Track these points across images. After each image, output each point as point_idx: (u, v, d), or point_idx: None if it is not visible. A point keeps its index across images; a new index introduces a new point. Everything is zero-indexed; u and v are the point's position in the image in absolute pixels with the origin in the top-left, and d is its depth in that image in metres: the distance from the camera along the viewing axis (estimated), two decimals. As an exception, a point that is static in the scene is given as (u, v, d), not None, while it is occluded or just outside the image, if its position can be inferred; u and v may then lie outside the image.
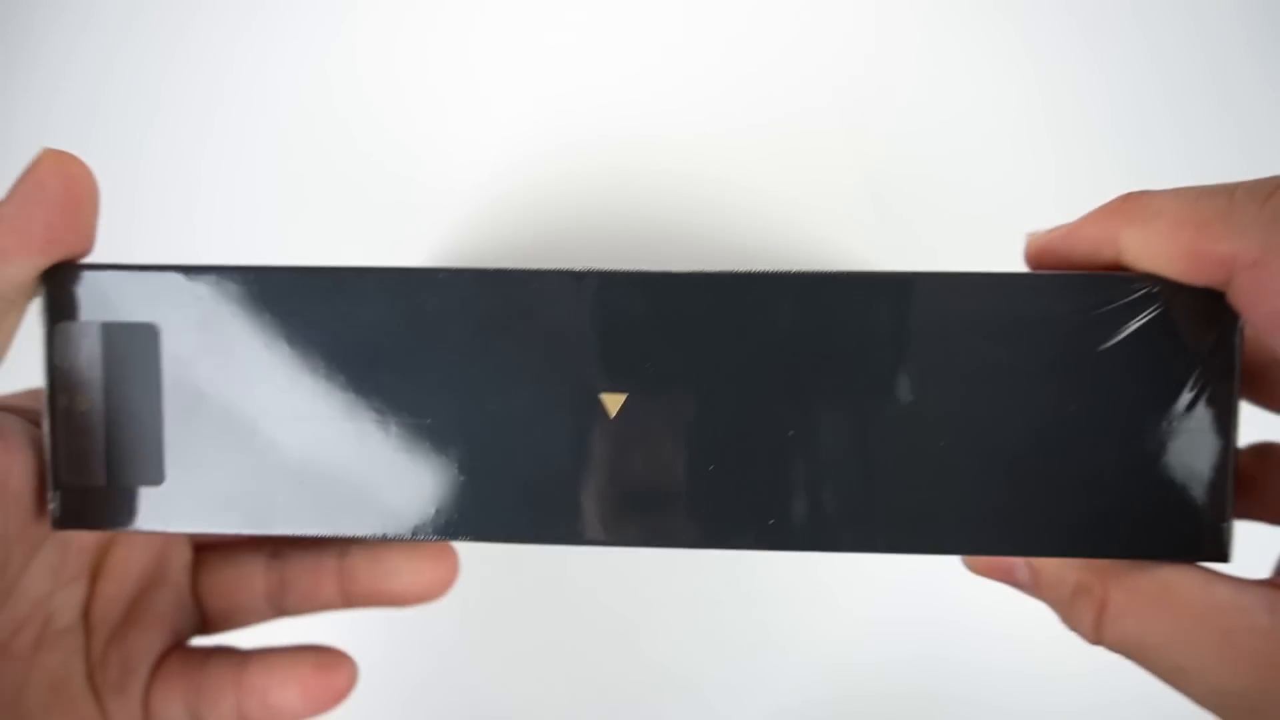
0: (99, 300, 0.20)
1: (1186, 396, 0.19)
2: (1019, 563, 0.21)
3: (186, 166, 0.35)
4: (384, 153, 0.35)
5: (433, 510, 0.20)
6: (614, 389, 0.20)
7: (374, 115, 0.35)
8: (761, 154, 0.34)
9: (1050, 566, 0.21)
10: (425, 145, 0.35)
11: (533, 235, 0.35)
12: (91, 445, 0.20)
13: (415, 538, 0.20)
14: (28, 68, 0.35)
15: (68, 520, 0.20)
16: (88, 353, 0.20)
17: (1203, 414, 0.19)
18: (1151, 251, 0.18)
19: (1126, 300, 0.19)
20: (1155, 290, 0.19)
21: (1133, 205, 0.19)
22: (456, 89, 0.35)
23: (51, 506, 0.20)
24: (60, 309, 0.20)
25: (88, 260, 0.20)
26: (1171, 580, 0.19)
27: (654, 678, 0.37)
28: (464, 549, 0.37)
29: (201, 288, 0.20)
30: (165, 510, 0.20)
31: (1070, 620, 0.20)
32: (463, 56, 0.35)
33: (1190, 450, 0.19)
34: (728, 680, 0.37)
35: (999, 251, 0.32)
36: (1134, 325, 0.19)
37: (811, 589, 0.36)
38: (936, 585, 0.36)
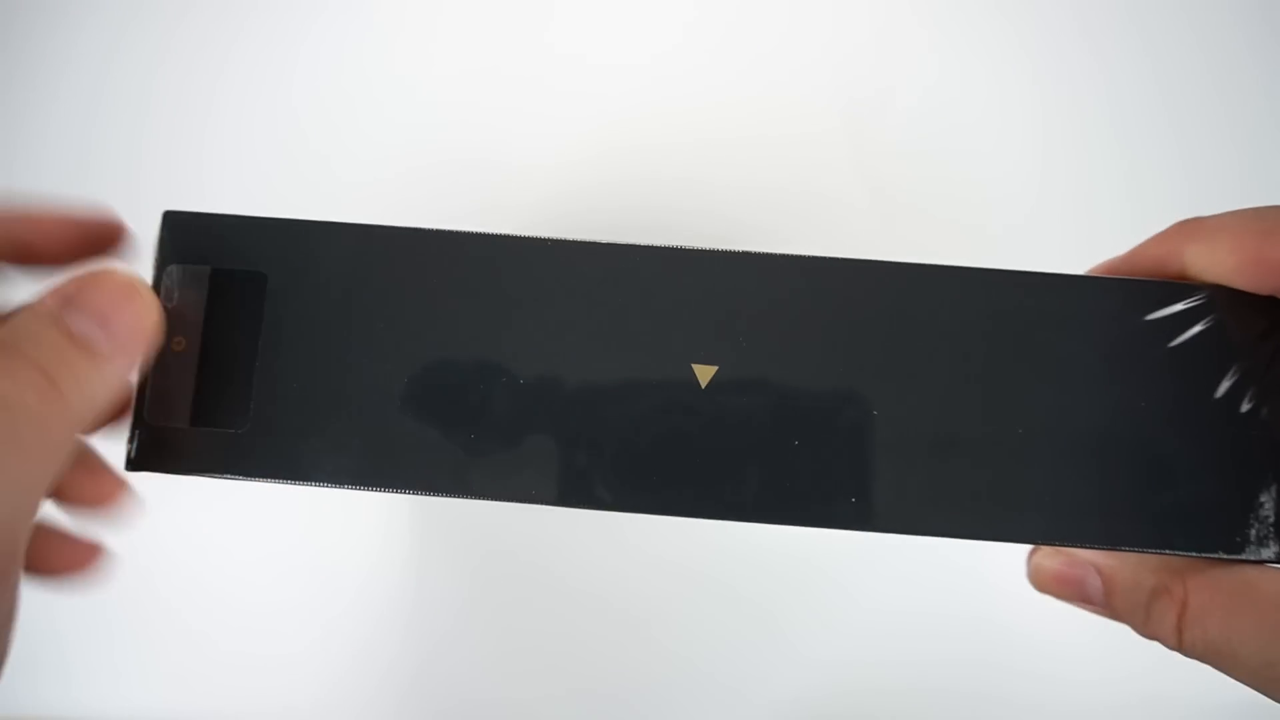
0: (212, 246, 0.21)
1: (1251, 398, 0.20)
2: (1089, 573, 0.21)
3: (289, 137, 0.38)
4: (465, 133, 0.38)
5: (516, 474, 0.20)
6: (706, 361, 0.20)
7: (451, 99, 0.38)
8: (766, 153, 0.37)
9: (1125, 573, 0.21)
10: (501, 127, 0.38)
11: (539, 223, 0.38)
12: (180, 385, 0.20)
13: (498, 499, 0.20)
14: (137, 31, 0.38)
15: (143, 461, 0.20)
16: (193, 296, 0.20)
17: (1267, 416, 0.20)
18: (1217, 262, 0.20)
19: (1192, 303, 0.20)
20: (1220, 296, 0.20)
21: (1193, 225, 0.21)
22: (524, 75, 0.38)
23: (130, 446, 0.20)
24: (172, 251, 0.21)
25: (204, 209, 0.21)
26: (1252, 577, 0.19)
27: (663, 669, 0.36)
28: (463, 538, 0.37)
29: (314, 242, 0.21)
30: (241, 459, 0.20)
31: (1149, 626, 0.20)
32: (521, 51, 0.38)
33: (1257, 452, 0.20)
34: (740, 673, 0.36)
35: (997, 247, 0.34)
36: (1200, 327, 0.20)
37: (829, 582, 0.36)
38: (962, 580, 0.36)
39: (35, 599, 0.36)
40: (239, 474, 0.20)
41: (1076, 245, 0.37)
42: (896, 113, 0.38)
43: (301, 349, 0.20)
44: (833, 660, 0.36)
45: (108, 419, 0.21)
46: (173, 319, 0.20)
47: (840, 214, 0.37)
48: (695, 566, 0.36)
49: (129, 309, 0.18)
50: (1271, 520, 0.20)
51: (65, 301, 0.18)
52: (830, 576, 0.36)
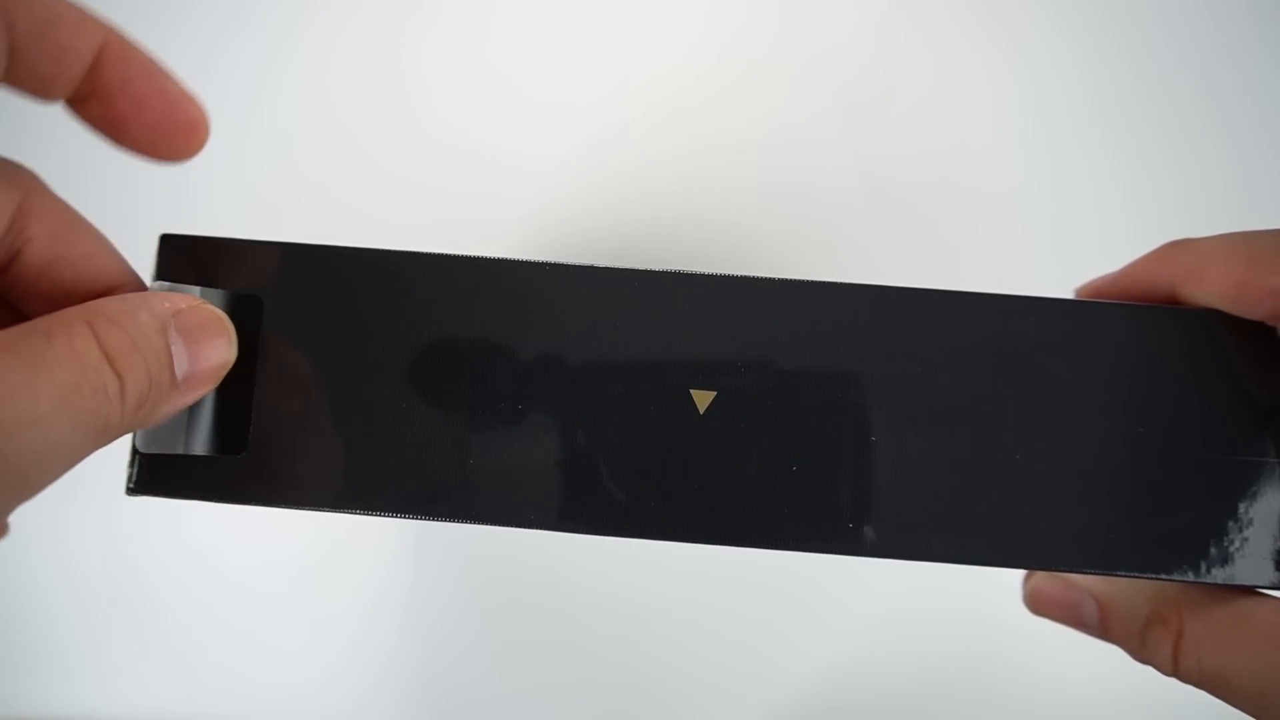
0: (208, 269, 0.21)
1: (1249, 426, 0.20)
2: (1085, 599, 0.22)
3: (287, 158, 0.38)
4: (463, 149, 0.38)
5: (511, 499, 0.20)
6: (704, 386, 0.20)
7: (450, 115, 0.38)
8: (770, 156, 0.38)
9: (1121, 599, 0.21)
10: (492, 139, 0.38)
11: (538, 232, 0.38)
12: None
13: (496, 524, 0.20)
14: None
15: (143, 487, 0.20)
16: None
17: (1265, 444, 0.20)
18: (1207, 287, 0.20)
19: (1188, 329, 0.20)
20: (1213, 321, 0.20)
21: (1183, 248, 0.21)
22: (513, 81, 0.39)
23: (130, 471, 0.20)
24: (169, 274, 0.20)
25: (199, 232, 0.21)
26: (1246, 608, 0.19)
27: (660, 668, 0.37)
28: (462, 536, 0.37)
29: (310, 265, 0.21)
30: (242, 483, 0.20)
31: (1144, 653, 0.20)
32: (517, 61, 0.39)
33: (1253, 478, 0.20)
34: (738, 672, 0.37)
35: (992, 249, 0.35)
36: (1196, 353, 0.20)
37: (823, 581, 0.37)
38: (956, 575, 0.36)
39: (35, 600, 0.37)
40: (237, 500, 0.20)
41: (1073, 245, 0.37)
42: (896, 112, 0.38)
43: (298, 373, 0.20)
44: (829, 658, 0.36)
45: None
46: None
47: (840, 215, 0.37)
48: (693, 565, 0.37)
49: (217, 349, 0.19)
50: (1268, 547, 0.20)
51: (174, 315, 0.18)
52: (825, 575, 0.37)
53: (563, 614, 0.37)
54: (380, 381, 0.20)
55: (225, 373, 0.20)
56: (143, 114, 0.19)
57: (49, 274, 0.19)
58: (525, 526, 0.20)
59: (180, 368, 0.18)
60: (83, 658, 0.37)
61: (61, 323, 0.17)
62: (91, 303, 0.18)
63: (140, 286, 0.20)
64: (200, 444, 0.20)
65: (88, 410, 0.16)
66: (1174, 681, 0.20)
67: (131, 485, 0.20)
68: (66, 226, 0.19)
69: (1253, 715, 0.19)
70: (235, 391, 0.20)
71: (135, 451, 0.20)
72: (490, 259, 0.21)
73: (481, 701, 0.37)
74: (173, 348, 0.18)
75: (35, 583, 0.37)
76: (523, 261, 0.21)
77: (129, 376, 0.17)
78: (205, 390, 0.19)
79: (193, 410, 0.20)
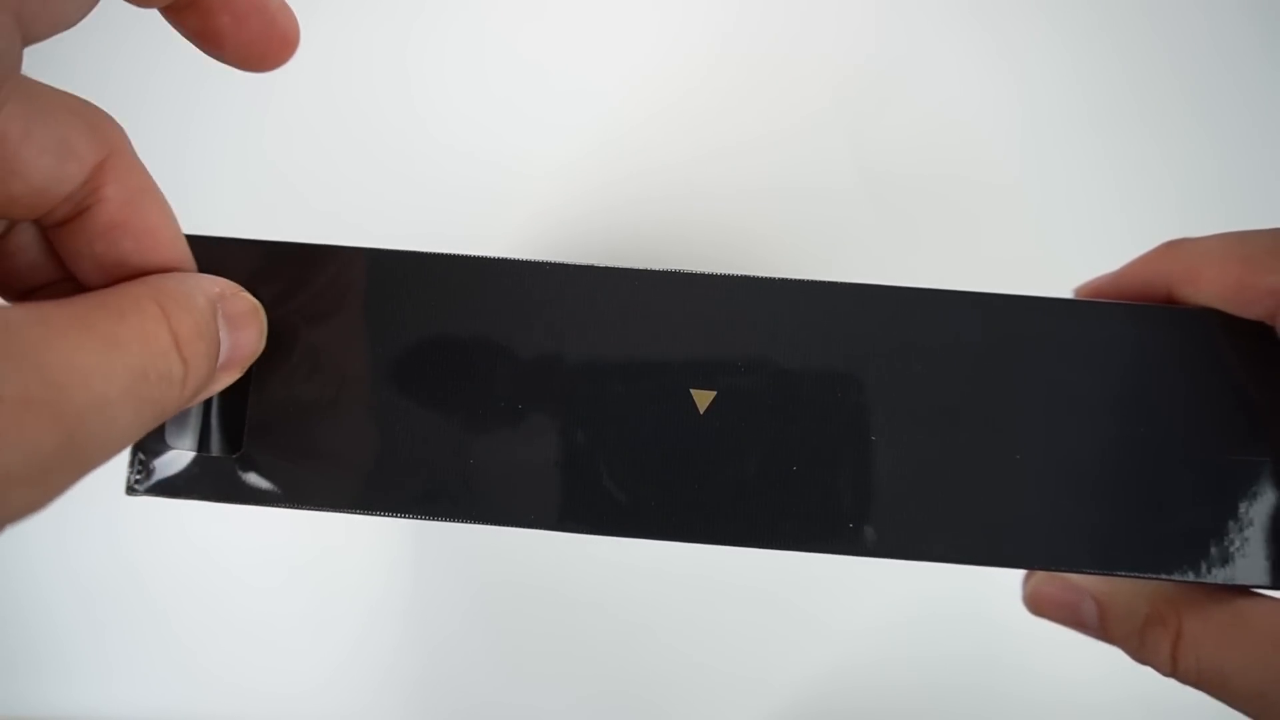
0: (205, 268, 0.20)
1: (1246, 425, 0.20)
2: (1085, 599, 0.22)
3: (290, 157, 0.39)
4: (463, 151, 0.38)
5: (511, 499, 0.20)
6: (704, 386, 0.20)
7: (450, 117, 0.39)
8: (766, 155, 0.38)
9: (1120, 600, 0.21)
10: (492, 144, 0.39)
11: (538, 232, 0.38)
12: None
13: (496, 524, 0.20)
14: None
15: (144, 487, 0.20)
16: None
17: (1264, 444, 0.20)
18: (1204, 287, 0.20)
19: (1186, 329, 0.20)
20: (1211, 320, 0.20)
21: (1179, 248, 0.21)
22: (511, 87, 0.39)
23: (130, 472, 0.20)
24: None
25: (193, 231, 0.21)
26: (1245, 608, 0.19)
27: (661, 672, 0.37)
28: (464, 539, 0.37)
29: (305, 265, 0.21)
30: (241, 483, 0.20)
31: (1143, 653, 0.20)
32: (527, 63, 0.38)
33: (1255, 479, 0.20)
34: (738, 673, 0.37)
35: (993, 248, 0.35)
36: (1194, 353, 0.20)
37: (824, 582, 0.37)
38: (957, 576, 0.36)
39: (36, 600, 0.37)
40: (237, 500, 0.20)
41: (1071, 245, 0.37)
42: (892, 109, 0.38)
43: (296, 372, 0.20)
44: (828, 663, 0.36)
45: None
46: None
47: (838, 213, 0.37)
48: (694, 569, 0.37)
49: (251, 339, 0.19)
50: (1266, 548, 0.20)
51: (220, 300, 0.18)
52: (822, 580, 0.37)
53: (564, 620, 0.37)
54: (380, 381, 0.20)
55: (251, 363, 0.19)
56: (241, 31, 0.18)
57: (109, 238, 0.18)
58: (525, 526, 0.20)
59: (220, 354, 0.18)
60: (83, 658, 0.37)
61: (132, 299, 0.16)
62: (153, 278, 0.17)
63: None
64: (200, 443, 0.20)
65: (150, 397, 0.16)
66: (1173, 682, 0.20)
67: (132, 485, 0.20)
68: (141, 194, 0.18)
69: (1251, 715, 0.19)
70: (234, 391, 0.20)
71: (135, 451, 0.20)
72: (491, 258, 0.21)
73: (482, 703, 0.37)
74: (222, 326, 0.18)
75: (35, 583, 0.37)
76: (523, 261, 0.21)
77: (193, 363, 0.17)
78: (233, 379, 0.19)
79: (193, 409, 0.20)
